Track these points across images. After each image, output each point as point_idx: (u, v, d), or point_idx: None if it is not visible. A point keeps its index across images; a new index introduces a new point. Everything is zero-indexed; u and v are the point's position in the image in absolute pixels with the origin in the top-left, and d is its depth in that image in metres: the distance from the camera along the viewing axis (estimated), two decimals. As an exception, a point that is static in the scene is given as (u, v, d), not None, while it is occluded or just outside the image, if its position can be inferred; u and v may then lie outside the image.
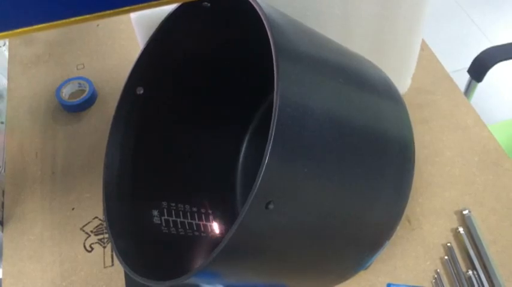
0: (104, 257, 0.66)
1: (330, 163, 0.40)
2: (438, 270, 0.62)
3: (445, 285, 0.61)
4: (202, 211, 0.61)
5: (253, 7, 0.40)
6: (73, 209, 0.71)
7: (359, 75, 0.48)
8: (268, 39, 0.38)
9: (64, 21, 0.34)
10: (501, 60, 1.06)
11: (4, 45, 1.08)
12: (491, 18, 2.17)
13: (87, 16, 0.33)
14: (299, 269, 0.45)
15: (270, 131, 0.34)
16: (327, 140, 0.40)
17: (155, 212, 0.56)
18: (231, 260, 0.37)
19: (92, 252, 0.67)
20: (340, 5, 0.62)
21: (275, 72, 0.36)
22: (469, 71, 1.09)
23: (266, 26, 0.38)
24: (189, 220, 0.59)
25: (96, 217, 0.70)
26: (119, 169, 0.55)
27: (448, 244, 0.64)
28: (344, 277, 0.51)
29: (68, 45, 0.95)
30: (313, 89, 0.40)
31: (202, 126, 0.63)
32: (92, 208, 0.71)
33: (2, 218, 0.71)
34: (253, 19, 0.40)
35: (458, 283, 0.61)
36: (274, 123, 0.35)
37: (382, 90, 0.50)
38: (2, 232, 0.70)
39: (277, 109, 0.35)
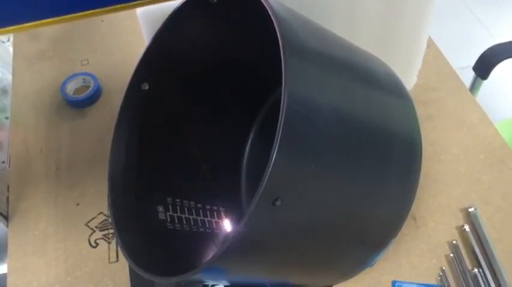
0: (109, 252, 0.66)
1: (336, 159, 0.40)
2: (443, 268, 0.62)
3: (450, 283, 0.61)
4: (207, 207, 0.60)
5: (261, 2, 0.40)
6: (78, 204, 0.71)
7: (366, 71, 0.48)
8: (276, 35, 0.37)
9: (70, 15, 0.34)
10: (507, 58, 1.06)
11: (8, 40, 1.08)
12: (495, 15, 2.16)
13: (94, 11, 0.33)
14: (305, 266, 0.45)
15: (278, 127, 0.34)
16: (333, 136, 0.40)
17: (160, 208, 0.56)
18: (238, 256, 0.37)
19: (97, 248, 0.67)
20: (346, 2, 0.62)
21: (283, 68, 0.36)
22: (474, 68, 1.08)
23: (274, 22, 0.37)
24: (194, 216, 0.59)
25: (101, 213, 0.70)
26: (124, 165, 0.55)
27: (454, 242, 0.64)
28: (350, 274, 0.51)
29: (73, 41, 0.95)
30: (320, 85, 0.40)
31: (207, 122, 0.63)
32: (97, 203, 0.71)
33: (7, 213, 0.71)
34: (260, 15, 0.40)
35: (464, 281, 0.61)
36: (282, 119, 0.34)
37: (389, 87, 0.50)
38: (7, 227, 0.70)
39: (285, 105, 0.35)
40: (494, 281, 0.60)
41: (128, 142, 0.56)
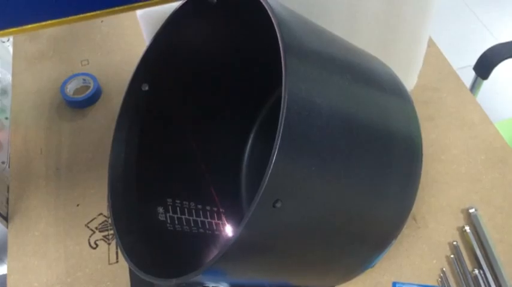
0: (109, 253, 0.66)
1: (337, 160, 0.40)
2: (444, 269, 0.62)
3: (451, 284, 0.61)
4: (208, 208, 0.60)
5: (261, 3, 0.40)
6: (78, 205, 0.71)
7: (366, 72, 0.48)
8: (276, 35, 0.37)
9: (71, 18, 0.33)
10: (507, 58, 1.06)
11: (8, 40, 1.08)
12: (496, 15, 2.16)
13: (95, 13, 0.33)
14: (306, 268, 0.45)
15: (278, 128, 0.34)
16: (334, 137, 0.40)
17: (160, 209, 0.56)
18: (238, 258, 0.37)
19: (97, 249, 0.67)
20: (347, 2, 0.62)
21: (283, 69, 0.36)
22: (475, 68, 1.08)
23: (274, 23, 0.37)
24: (194, 217, 0.59)
25: (101, 214, 0.70)
26: (124, 166, 0.55)
27: (454, 243, 0.64)
28: (351, 275, 0.50)
29: (73, 41, 0.95)
30: (320, 86, 0.40)
31: (207, 123, 0.63)
32: (97, 204, 0.71)
33: (7, 214, 0.71)
34: (260, 15, 0.39)
35: (464, 282, 0.61)
36: (282, 120, 0.34)
37: (389, 88, 0.49)
38: (7, 227, 0.70)
39: (285, 106, 0.34)
40: (494, 283, 0.60)
41: (128, 143, 0.56)
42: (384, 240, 0.49)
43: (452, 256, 0.63)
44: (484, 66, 1.07)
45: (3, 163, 0.81)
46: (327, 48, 0.44)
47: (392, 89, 0.50)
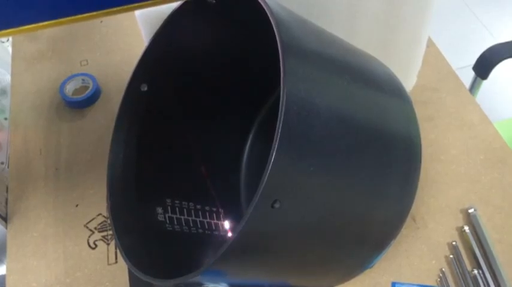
0: (108, 254, 0.66)
1: (336, 161, 0.40)
2: (443, 269, 0.62)
3: (450, 284, 0.61)
4: (207, 208, 0.60)
5: (259, 4, 0.40)
6: (77, 205, 0.71)
7: (365, 72, 0.48)
8: (275, 36, 0.37)
9: (70, 18, 0.33)
10: (507, 58, 1.06)
11: (7, 41, 1.08)
12: (495, 15, 2.16)
13: (93, 13, 0.33)
14: (305, 268, 0.45)
15: (277, 128, 0.34)
16: (333, 137, 0.40)
17: (159, 210, 0.56)
18: (237, 258, 0.37)
19: (96, 249, 0.67)
20: (347, 2, 0.61)
21: (281, 70, 0.36)
22: (474, 68, 1.08)
23: (273, 24, 0.37)
24: (193, 218, 0.59)
25: (100, 214, 0.70)
26: (123, 166, 0.55)
27: (454, 243, 0.64)
28: (350, 275, 0.50)
29: (72, 41, 0.94)
30: (319, 87, 0.40)
31: (207, 123, 0.63)
32: (96, 204, 0.71)
33: (6, 214, 0.71)
34: (259, 16, 0.39)
35: (464, 282, 0.61)
36: (281, 121, 0.34)
37: (388, 88, 0.49)
38: (6, 228, 0.70)
39: (283, 107, 0.34)
40: (494, 283, 0.60)
41: (127, 143, 0.56)
42: (383, 240, 0.49)
43: (451, 256, 0.63)
44: (484, 66, 1.07)
45: (2, 163, 0.81)
46: (326, 48, 0.44)
47: (391, 89, 0.50)
